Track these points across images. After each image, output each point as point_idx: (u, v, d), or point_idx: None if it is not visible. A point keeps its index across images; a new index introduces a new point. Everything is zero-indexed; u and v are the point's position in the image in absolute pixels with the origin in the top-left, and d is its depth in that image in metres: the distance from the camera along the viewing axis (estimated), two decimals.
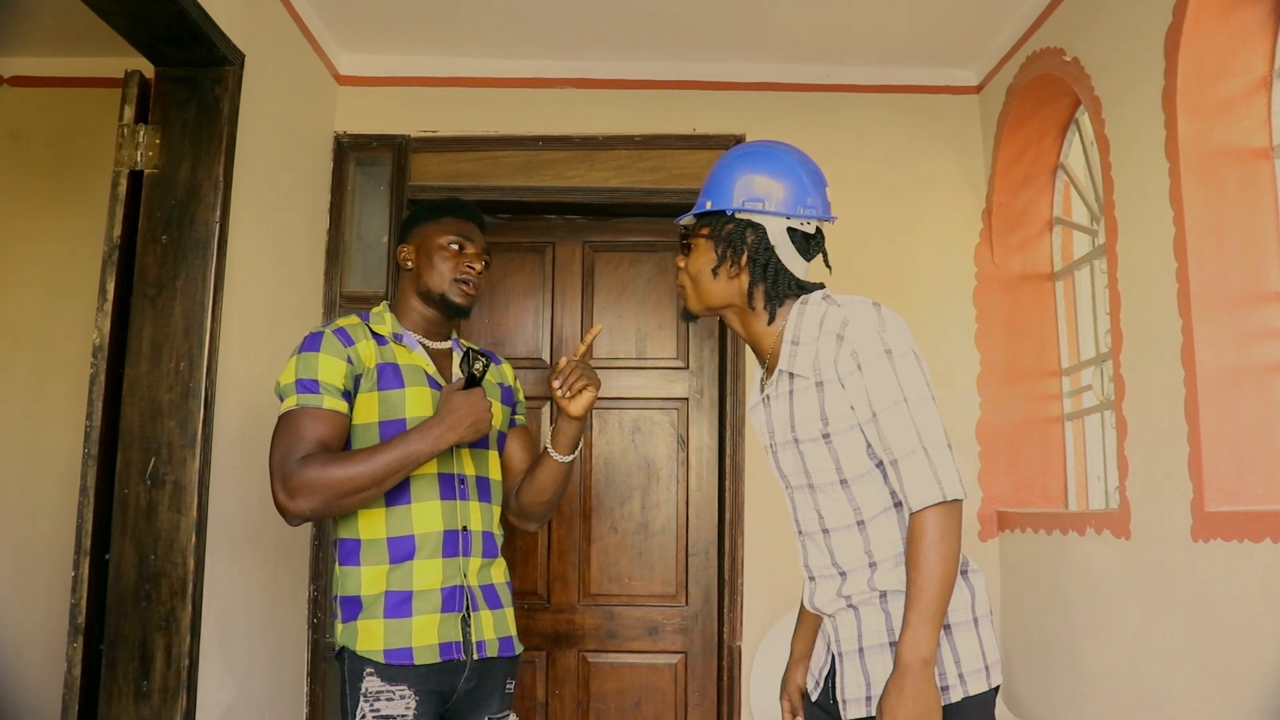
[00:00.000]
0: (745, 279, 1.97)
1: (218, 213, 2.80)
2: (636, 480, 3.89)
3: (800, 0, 3.41)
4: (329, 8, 3.50)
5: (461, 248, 2.33)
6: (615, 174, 3.87)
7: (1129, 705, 2.72)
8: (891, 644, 1.86)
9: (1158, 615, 2.59)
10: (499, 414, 2.37)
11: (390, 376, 2.22)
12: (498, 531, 2.32)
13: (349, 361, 2.17)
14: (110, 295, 2.75)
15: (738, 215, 1.95)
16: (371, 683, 2.10)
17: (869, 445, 1.87)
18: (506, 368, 2.53)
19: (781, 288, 1.95)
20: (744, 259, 1.96)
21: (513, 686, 2.31)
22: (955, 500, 1.80)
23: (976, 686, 1.84)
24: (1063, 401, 3.64)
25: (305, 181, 3.56)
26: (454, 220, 2.37)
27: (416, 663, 2.11)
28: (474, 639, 2.19)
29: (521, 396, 2.53)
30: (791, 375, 1.93)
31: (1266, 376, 2.47)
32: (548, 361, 3.93)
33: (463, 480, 2.25)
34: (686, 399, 3.92)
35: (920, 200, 3.81)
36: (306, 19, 3.46)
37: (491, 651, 2.22)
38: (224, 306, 2.82)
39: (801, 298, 1.97)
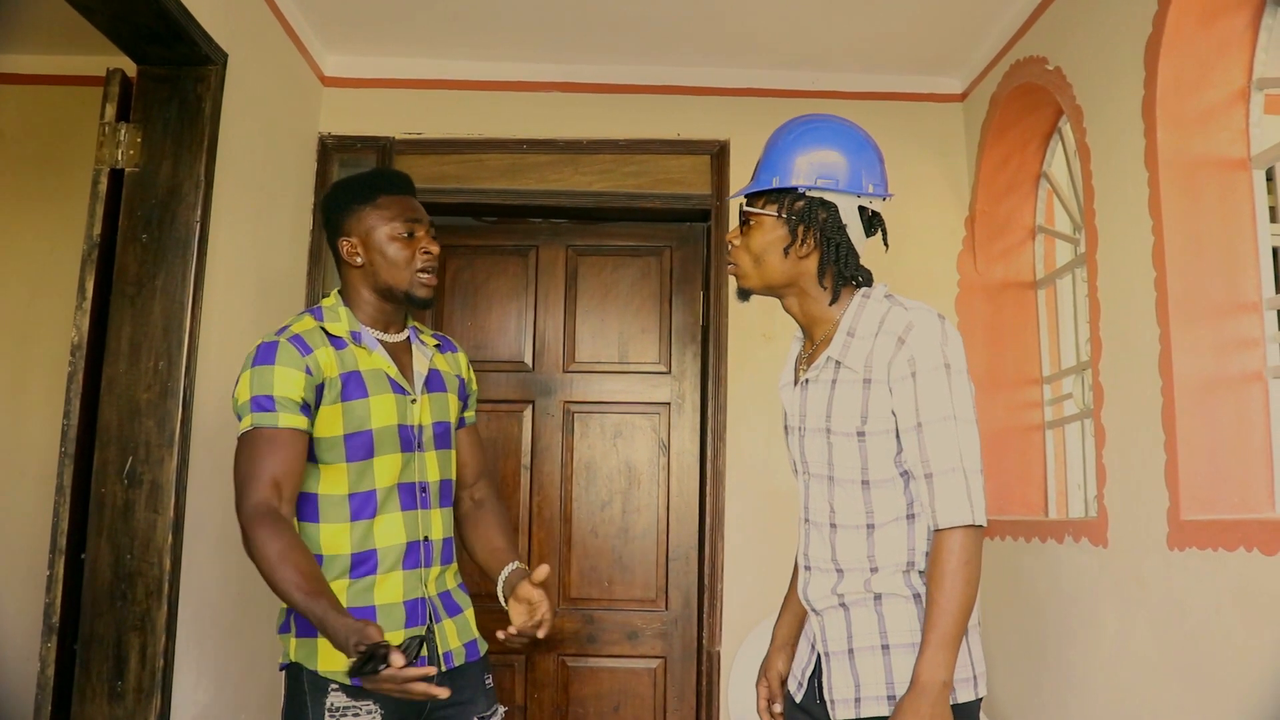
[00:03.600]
0: (815, 259, 1.93)
1: (199, 212, 2.79)
2: (617, 485, 3.89)
3: (785, 7, 3.42)
4: (313, 8, 3.49)
5: (412, 232, 2.18)
6: (599, 178, 3.87)
7: (1105, 711, 2.73)
8: (884, 646, 1.86)
9: (1134, 622, 2.60)
10: (453, 408, 2.29)
11: (354, 386, 2.10)
12: (453, 534, 2.27)
13: (307, 372, 2.04)
14: (89, 294, 2.73)
15: (809, 193, 1.91)
16: (337, 698, 2.03)
17: (898, 452, 1.87)
18: (461, 357, 2.41)
19: (850, 269, 1.92)
20: (815, 238, 1.91)
21: (492, 681, 2.24)
22: (981, 527, 1.81)
23: (964, 695, 1.85)
24: (1043, 409, 3.65)
25: (288, 182, 3.55)
26: (393, 199, 2.20)
27: None
28: (440, 650, 2.13)
29: (475, 388, 2.43)
30: (838, 365, 1.90)
31: (1243, 386, 2.48)
32: (530, 365, 3.93)
33: (424, 488, 2.18)
34: (668, 404, 3.92)
35: (903, 207, 3.79)
36: (291, 19, 3.45)
37: (459, 660, 2.17)
38: (204, 306, 2.81)
39: (863, 290, 1.95)
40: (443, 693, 1.80)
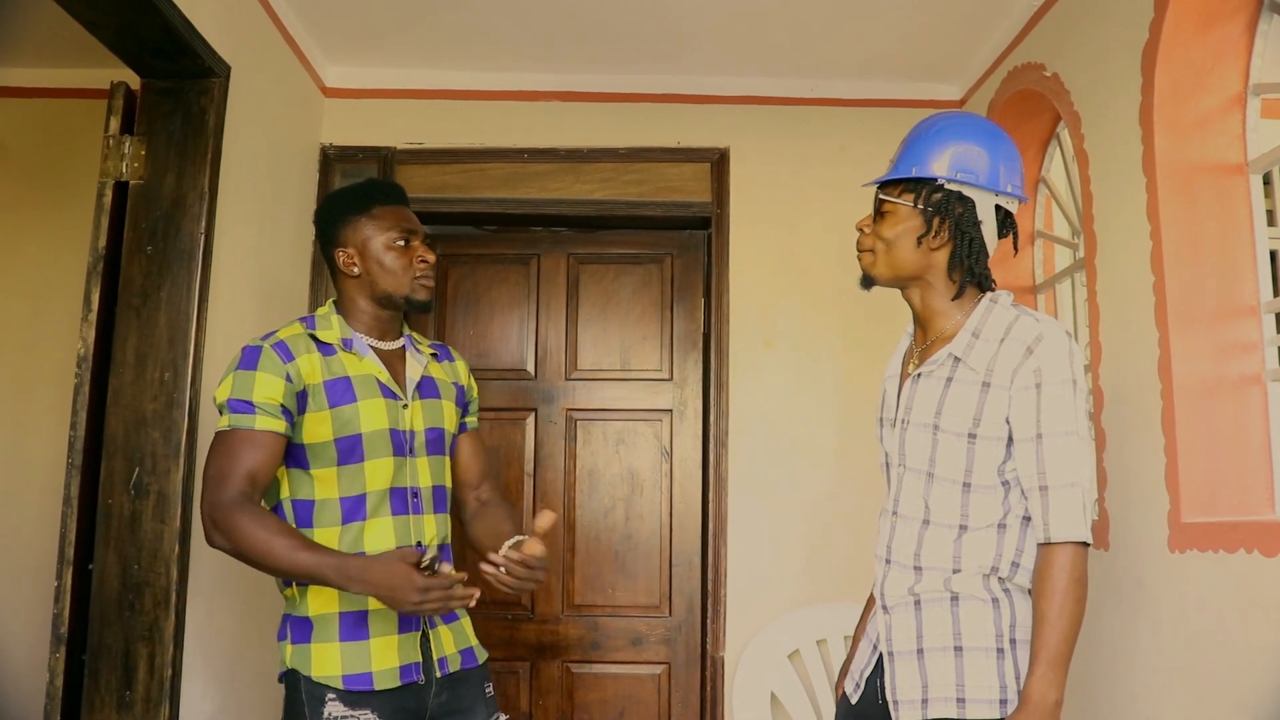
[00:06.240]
0: (946, 252, 1.92)
1: (203, 224, 2.81)
2: (620, 491, 3.90)
3: (785, 15, 3.43)
4: (315, 20, 3.51)
5: (408, 240, 2.22)
6: (600, 186, 3.89)
7: (1106, 714, 2.74)
8: (958, 648, 1.85)
9: (1135, 625, 2.61)
10: (451, 416, 2.31)
11: (342, 391, 2.12)
12: (450, 540, 2.27)
13: (288, 379, 2.07)
14: (95, 305, 2.76)
15: (948, 185, 1.90)
16: (334, 708, 2.04)
17: (1004, 461, 1.86)
18: (460, 365, 2.43)
19: (980, 266, 1.92)
20: (950, 230, 1.91)
21: (492, 690, 2.25)
22: (1089, 544, 1.82)
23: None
24: None
25: (291, 193, 3.57)
26: (387, 209, 2.24)
27: (377, 688, 2.05)
28: (435, 656, 2.14)
29: (475, 395, 2.44)
30: (957, 362, 1.90)
31: (1241, 389, 2.49)
32: (532, 373, 3.94)
33: (415, 494, 2.18)
34: (670, 410, 3.93)
35: None
36: (293, 31, 3.47)
37: (454, 666, 2.18)
38: (208, 317, 2.83)
39: (990, 295, 1.95)
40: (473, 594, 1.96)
